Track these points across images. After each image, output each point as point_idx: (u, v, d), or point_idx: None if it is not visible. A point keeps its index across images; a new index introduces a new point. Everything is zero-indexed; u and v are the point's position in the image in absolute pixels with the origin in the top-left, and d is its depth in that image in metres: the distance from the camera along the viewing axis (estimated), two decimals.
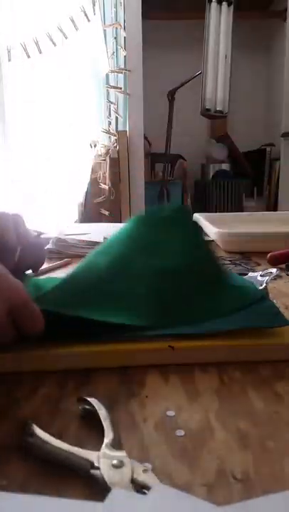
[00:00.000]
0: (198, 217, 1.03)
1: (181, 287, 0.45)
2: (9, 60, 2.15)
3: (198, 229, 0.51)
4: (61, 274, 0.68)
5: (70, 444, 0.25)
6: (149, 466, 0.25)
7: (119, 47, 2.12)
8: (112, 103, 2.19)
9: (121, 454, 0.25)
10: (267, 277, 0.51)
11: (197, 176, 2.78)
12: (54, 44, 2.03)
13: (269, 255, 0.73)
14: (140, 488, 0.22)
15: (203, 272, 0.47)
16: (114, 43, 2.12)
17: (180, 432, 0.28)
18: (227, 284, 0.47)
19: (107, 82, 2.17)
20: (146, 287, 0.44)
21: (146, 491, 0.22)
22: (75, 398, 0.31)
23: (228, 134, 2.68)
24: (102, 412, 0.28)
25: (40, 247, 0.53)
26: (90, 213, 2.17)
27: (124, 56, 2.12)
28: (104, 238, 0.78)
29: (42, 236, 0.81)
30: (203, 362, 0.37)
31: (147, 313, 0.41)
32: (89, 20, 2.05)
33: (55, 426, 0.29)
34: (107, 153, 2.19)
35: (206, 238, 0.51)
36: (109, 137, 2.23)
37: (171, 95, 2.25)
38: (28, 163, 2.35)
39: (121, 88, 2.15)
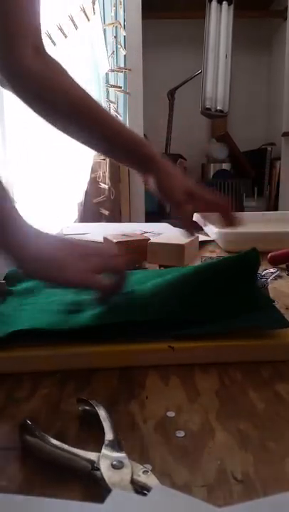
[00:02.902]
0: (198, 217, 1.03)
1: (188, 288, 0.45)
2: None
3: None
4: None
5: (70, 445, 0.25)
6: (149, 467, 0.24)
7: (119, 46, 2.12)
8: (111, 102, 2.19)
9: (121, 454, 0.25)
10: (267, 277, 0.51)
11: (197, 175, 2.78)
12: (54, 43, 2.03)
13: (269, 255, 0.73)
14: (140, 489, 0.22)
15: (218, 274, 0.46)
16: (114, 42, 2.11)
17: (180, 433, 0.28)
18: (235, 286, 0.47)
19: (107, 81, 2.17)
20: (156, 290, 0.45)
21: (146, 492, 0.22)
22: (75, 399, 0.31)
23: (228, 134, 2.68)
24: (102, 413, 0.28)
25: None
26: (89, 213, 2.17)
27: (124, 55, 2.11)
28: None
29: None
30: (203, 362, 0.37)
31: (153, 308, 0.41)
32: (89, 20, 2.04)
33: (55, 427, 0.29)
34: None
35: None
36: None
37: (171, 94, 2.25)
38: (27, 162, 2.34)
39: (121, 87, 2.14)
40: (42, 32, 0.62)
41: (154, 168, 0.59)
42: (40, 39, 0.61)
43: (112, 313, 0.40)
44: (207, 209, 0.63)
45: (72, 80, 0.61)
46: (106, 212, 2.16)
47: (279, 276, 0.63)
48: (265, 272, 0.55)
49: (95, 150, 0.65)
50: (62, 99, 0.60)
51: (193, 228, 0.58)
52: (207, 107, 2.18)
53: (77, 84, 0.61)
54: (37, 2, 0.58)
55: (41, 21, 0.60)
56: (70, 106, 0.60)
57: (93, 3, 2.04)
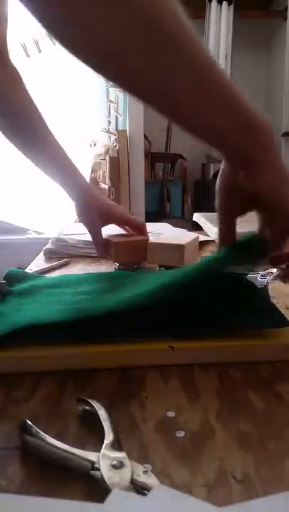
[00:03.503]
0: (198, 217, 1.03)
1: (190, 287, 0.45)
2: None
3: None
4: (60, 273, 0.68)
5: (70, 445, 0.25)
6: (149, 466, 0.24)
7: None
8: (112, 102, 2.19)
9: (121, 454, 0.25)
10: (267, 277, 0.51)
11: (197, 175, 2.78)
12: (54, 43, 2.03)
13: (269, 255, 0.72)
14: (140, 488, 0.22)
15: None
16: None
17: (180, 433, 0.28)
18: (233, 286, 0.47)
19: (107, 81, 2.17)
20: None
21: (146, 492, 0.22)
22: (75, 399, 0.31)
23: None
24: (102, 413, 0.28)
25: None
26: None
27: None
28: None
29: (41, 236, 0.89)
30: (203, 362, 0.37)
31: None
32: None
33: (55, 427, 0.29)
34: (106, 152, 2.18)
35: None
36: (109, 136, 2.23)
37: None
38: (28, 162, 2.34)
39: None
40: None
41: (79, 192, 0.69)
42: (5, 47, 0.64)
43: (112, 308, 0.40)
44: (120, 225, 0.75)
45: (27, 93, 0.68)
46: None
47: (279, 277, 0.62)
48: (265, 271, 0.55)
49: (34, 162, 0.71)
50: (16, 110, 0.66)
51: (102, 247, 0.71)
52: None
53: (31, 97, 0.68)
54: (2, 10, 0.60)
55: (7, 29, 0.62)
56: (19, 118, 0.66)
57: None
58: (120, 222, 0.74)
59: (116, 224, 0.75)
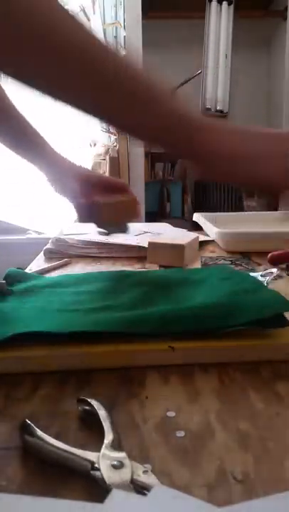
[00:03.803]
0: (198, 217, 1.03)
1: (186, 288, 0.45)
2: None
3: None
4: (60, 273, 0.68)
5: (70, 445, 0.25)
6: (149, 466, 0.25)
7: (119, 46, 2.12)
8: None
9: (121, 454, 0.25)
10: (267, 277, 0.51)
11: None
12: None
13: (269, 255, 0.73)
14: (140, 488, 0.22)
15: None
16: (114, 42, 2.12)
17: (180, 433, 0.28)
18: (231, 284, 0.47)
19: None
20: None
21: (146, 492, 0.22)
22: (75, 399, 0.31)
23: None
24: (102, 413, 0.28)
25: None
26: None
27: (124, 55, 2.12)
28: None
29: (41, 236, 0.85)
30: (203, 362, 0.37)
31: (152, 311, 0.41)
32: (89, 20, 2.04)
33: (55, 427, 0.29)
34: (106, 152, 2.18)
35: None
36: (109, 136, 2.23)
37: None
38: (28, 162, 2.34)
39: None
40: None
41: (48, 159, 0.64)
42: None
43: (114, 321, 0.40)
44: (106, 190, 0.66)
45: None
46: None
47: (279, 276, 0.63)
48: (265, 271, 0.55)
49: (3, 143, 0.67)
50: None
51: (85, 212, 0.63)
52: (207, 107, 2.18)
53: None
54: None
55: None
56: None
57: (93, 3, 2.04)
58: (99, 183, 0.66)
59: (95, 185, 0.66)
